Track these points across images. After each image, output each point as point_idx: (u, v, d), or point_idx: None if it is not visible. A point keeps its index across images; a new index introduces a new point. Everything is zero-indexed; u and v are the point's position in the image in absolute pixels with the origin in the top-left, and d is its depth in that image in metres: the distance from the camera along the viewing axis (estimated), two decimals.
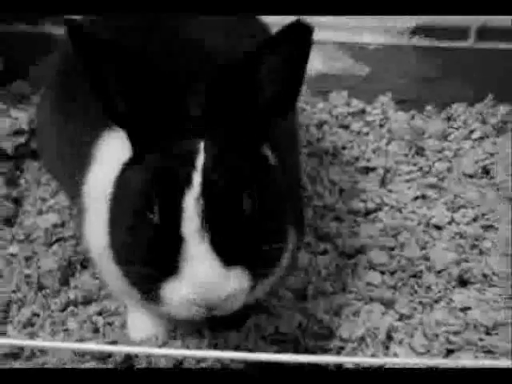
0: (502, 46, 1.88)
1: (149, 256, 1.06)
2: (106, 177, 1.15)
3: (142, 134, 1.10)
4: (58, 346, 1.27)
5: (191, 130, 1.08)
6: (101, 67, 1.07)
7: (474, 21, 1.87)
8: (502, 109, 1.86)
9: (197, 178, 1.04)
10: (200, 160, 1.05)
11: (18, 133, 1.70)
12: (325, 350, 1.30)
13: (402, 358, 1.24)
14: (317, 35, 1.88)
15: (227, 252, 1.03)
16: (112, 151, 1.18)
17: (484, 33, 1.89)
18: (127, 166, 1.13)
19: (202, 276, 1.02)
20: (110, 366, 1.26)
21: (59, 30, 1.87)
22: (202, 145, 1.06)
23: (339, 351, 1.30)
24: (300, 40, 1.07)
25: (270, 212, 1.11)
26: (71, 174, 1.31)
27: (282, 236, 1.15)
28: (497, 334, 1.31)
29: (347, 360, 1.19)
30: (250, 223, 1.06)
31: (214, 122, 1.09)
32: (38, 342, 1.30)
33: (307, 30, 1.06)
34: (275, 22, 1.43)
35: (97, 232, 1.19)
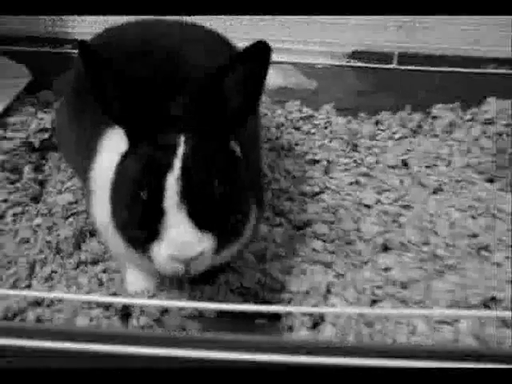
0: (417, 68, 1.88)
1: (140, 224, 1.05)
2: (108, 165, 1.13)
3: (134, 130, 1.09)
4: (71, 298, 1.25)
5: (173, 127, 1.06)
6: (102, 78, 1.05)
7: (396, 48, 1.87)
8: (417, 116, 1.84)
9: (177, 164, 1.03)
10: (180, 150, 1.04)
11: (42, 130, 1.67)
12: (278, 301, 1.28)
13: (338, 308, 1.23)
14: (277, 57, 1.90)
15: (199, 220, 1.03)
16: (113, 145, 1.16)
17: (404, 58, 1.89)
18: (124, 156, 1.11)
19: (179, 237, 1.02)
20: (112, 313, 1.25)
21: (76, 52, 1.83)
22: (182, 138, 1.05)
23: (289, 301, 1.28)
24: (261, 58, 1.04)
25: (236, 194, 1.09)
26: (82, 162, 1.29)
27: (245, 212, 1.13)
28: (410, 288, 1.29)
29: (296, 309, 1.17)
30: (219, 203, 1.04)
31: (192, 122, 1.07)
32: (56, 294, 1.28)
33: (267, 50, 1.04)
34: None
35: (101, 208, 1.17)
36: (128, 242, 1.11)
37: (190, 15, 1.50)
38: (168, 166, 1.03)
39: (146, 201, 1.03)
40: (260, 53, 1.04)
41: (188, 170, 1.03)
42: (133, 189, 1.05)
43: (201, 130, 1.07)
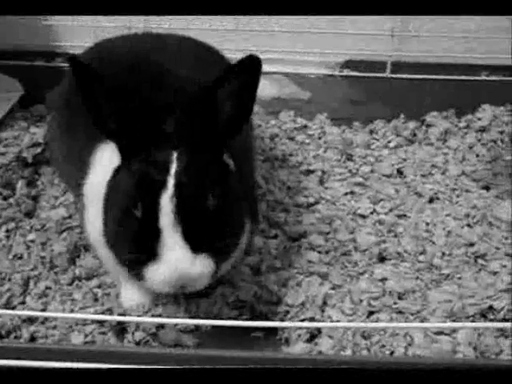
0: (411, 76, 1.88)
1: (134, 244, 1.05)
2: (101, 180, 1.13)
3: (127, 146, 1.08)
4: (65, 316, 1.25)
5: (166, 144, 1.06)
6: (94, 93, 1.05)
7: (389, 57, 1.86)
8: (411, 124, 1.84)
9: (171, 181, 1.02)
10: (173, 167, 1.03)
11: (35, 145, 1.66)
12: (274, 314, 1.27)
13: (334, 323, 1.22)
14: (271, 68, 1.90)
15: (195, 241, 1.02)
16: (105, 159, 1.16)
17: (397, 66, 1.88)
18: (117, 172, 1.11)
19: (175, 261, 1.02)
20: (107, 328, 1.24)
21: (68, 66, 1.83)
22: (174, 155, 1.04)
23: (285, 314, 1.28)
24: (252, 71, 1.04)
25: (230, 208, 1.09)
26: (75, 177, 1.29)
27: (239, 227, 1.13)
28: (407, 298, 1.29)
29: (292, 324, 1.17)
30: (213, 218, 1.04)
31: (184, 138, 1.07)
32: (50, 314, 1.28)
33: (258, 63, 1.04)
34: None
35: (94, 224, 1.17)
36: (122, 263, 1.11)
37: (178, 15, 1.50)
38: (162, 184, 1.02)
39: (140, 219, 1.03)
40: (251, 66, 1.04)
41: (181, 187, 1.02)
42: (126, 206, 1.05)
43: (193, 144, 1.07)
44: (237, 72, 1.04)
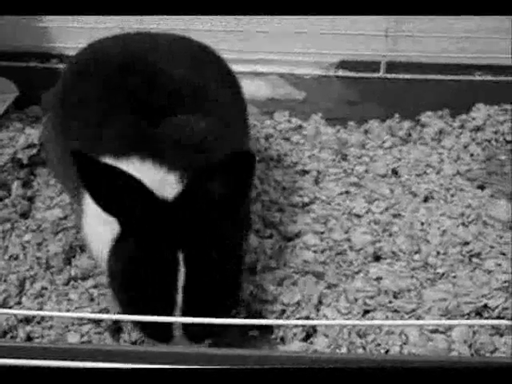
0: (405, 76, 1.88)
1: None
2: None
3: (129, 229, 1.08)
4: (61, 315, 1.25)
5: (172, 241, 1.05)
6: (97, 179, 1.04)
7: (383, 57, 1.87)
8: (406, 124, 1.84)
9: (179, 297, 1.03)
10: (181, 276, 1.03)
11: (30, 146, 1.66)
12: (270, 313, 1.28)
13: (330, 320, 1.23)
14: (265, 69, 1.91)
15: (198, 338, 1.08)
16: None
17: (391, 66, 1.88)
18: (118, 241, 1.10)
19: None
20: (103, 328, 1.25)
21: (63, 67, 1.83)
22: (181, 258, 1.04)
23: (281, 313, 1.28)
24: (245, 168, 1.04)
25: (234, 286, 1.13)
26: (72, 178, 1.28)
27: (238, 295, 1.17)
28: (402, 297, 1.30)
29: (289, 322, 1.17)
30: (218, 310, 1.05)
31: (189, 232, 1.06)
32: (45, 312, 1.28)
33: (252, 160, 1.04)
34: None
35: (96, 237, 1.18)
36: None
37: (173, 15, 1.50)
38: (170, 302, 1.03)
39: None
40: (244, 163, 1.03)
41: (189, 304, 1.03)
42: (136, 296, 1.06)
43: (199, 240, 1.06)
44: (229, 168, 1.04)
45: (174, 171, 1.11)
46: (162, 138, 1.14)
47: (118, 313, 1.12)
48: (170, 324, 1.04)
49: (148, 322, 1.03)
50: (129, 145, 1.13)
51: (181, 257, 1.03)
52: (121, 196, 1.03)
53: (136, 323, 1.12)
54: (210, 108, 1.24)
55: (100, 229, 1.14)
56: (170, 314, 1.03)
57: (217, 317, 1.01)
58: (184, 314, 1.03)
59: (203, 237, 1.06)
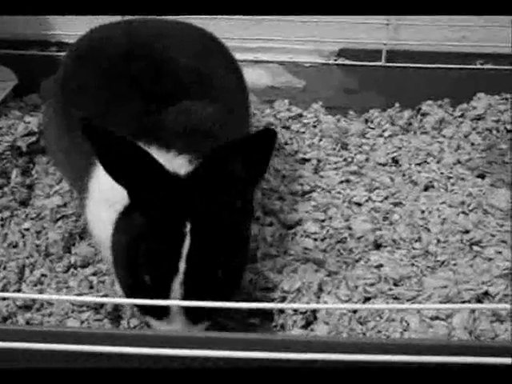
0: (406, 65, 1.88)
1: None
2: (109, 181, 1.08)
3: (139, 197, 1.07)
4: (61, 299, 1.25)
5: (180, 210, 1.05)
6: (108, 149, 1.03)
7: (384, 46, 1.87)
8: (406, 113, 1.85)
9: (182, 265, 1.02)
10: (186, 247, 1.02)
11: (30, 134, 1.66)
12: (271, 300, 1.28)
13: (329, 304, 1.23)
14: (265, 57, 1.91)
15: (197, 318, 1.07)
16: None
17: (392, 55, 1.89)
18: (126, 213, 1.10)
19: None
20: (102, 315, 1.25)
21: (62, 54, 1.83)
22: (188, 228, 1.03)
23: (282, 300, 1.28)
24: (266, 143, 1.03)
25: (237, 269, 1.12)
26: (73, 167, 1.29)
27: (240, 282, 1.15)
28: (402, 285, 1.30)
29: (288, 306, 1.17)
30: (219, 291, 1.05)
31: (200, 205, 1.05)
32: (45, 296, 1.28)
33: (274, 137, 1.03)
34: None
35: (100, 226, 1.17)
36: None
37: (176, 15, 1.50)
38: (173, 268, 1.02)
39: (150, 286, 1.04)
40: (267, 139, 1.03)
41: (193, 274, 1.02)
42: (136, 269, 1.05)
43: (208, 213, 1.05)
44: (252, 144, 1.04)
45: (182, 155, 1.10)
46: (168, 124, 1.14)
47: (122, 290, 1.12)
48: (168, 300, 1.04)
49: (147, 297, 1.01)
50: (135, 131, 1.12)
51: (188, 227, 1.03)
52: (132, 167, 1.02)
53: (133, 299, 1.09)
54: (216, 95, 1.24)
55: (104, 213, 1.14)
56: (171, 282, 1.02)
57: (218, 294, 1.02)
58: (185, 286, 1.02)
59: (213, 211, 1.05)
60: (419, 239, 1.42)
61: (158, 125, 1.14)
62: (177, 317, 1.05)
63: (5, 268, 1.36)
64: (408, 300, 1.25)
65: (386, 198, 1.56)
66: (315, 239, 1.43)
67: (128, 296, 1.11)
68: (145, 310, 1.10)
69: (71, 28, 1.86)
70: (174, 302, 1.01)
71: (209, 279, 1.04)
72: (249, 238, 1.21)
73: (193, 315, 1.05)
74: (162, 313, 1.06)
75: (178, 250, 1.02)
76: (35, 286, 1.34)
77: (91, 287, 1.33)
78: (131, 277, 1.06)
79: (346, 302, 1.26)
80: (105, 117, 1.16)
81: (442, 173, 1.64)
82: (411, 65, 1.87)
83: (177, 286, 1.02)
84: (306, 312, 1.22)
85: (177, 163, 1.09)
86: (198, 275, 1.03)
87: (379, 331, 1.19)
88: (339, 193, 1.58)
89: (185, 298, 1.02)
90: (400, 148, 1.74)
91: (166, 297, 1.03)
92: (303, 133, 1.80)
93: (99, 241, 1.21)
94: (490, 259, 1.34)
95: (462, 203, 1.51)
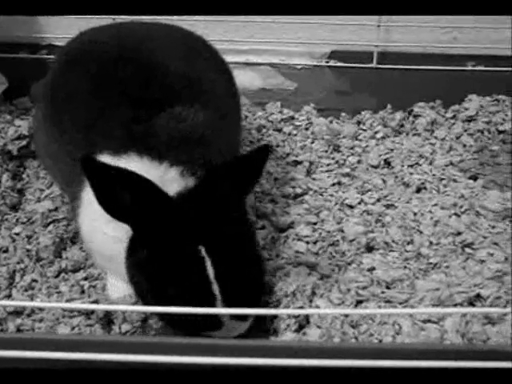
0: (397, 67, 1.88)
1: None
2: None
3: (144, 232, 1.07)
4: (52, 306, 1.25)
5: (190, 237, 1.06)
6: (107, 185, 1.02)
7: (375, 48, 1.87)
8: (398, 115, 1.85)
9: (216, 289, 1.05)
10: (210, 269, 1.05)
11: (20, 138, 1.65)
12: (264, 304, 1.27)
13: (323, 309, 1.23)
14: (256, 59, 1.90)
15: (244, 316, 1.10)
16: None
17: (384, 57, 1.89)
18: (134, 247, 1.10)
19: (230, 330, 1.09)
20: (94, 321, 1.24)
21: (52, 57, 1.83)
22: (203, 251, 1.05)
23: (276, 304, 1.28)
24: (261, 159, 1.07)
25: (261, 268, 1.17)
26: (63, 172, 1.28)
27: (263, 277, 1.18)
28: (394, 287, 1.30)
29: (283, 311, 1.17)
30: (250, 286, 1.11)
31: (204, 226, 1.06)
32: (35, 303, 1.28)
33: (268, 152, 1.07)
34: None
35: (94, 234, 1.17)
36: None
37: (168, 15, 1.50)
38: (209, 292, 1.04)
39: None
40: (263, 155, 1.06)
41: (226, 290, 1.05)
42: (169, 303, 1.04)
43: (217, 233, 1.07)
44: (248, 161, 1.06)
45: (175, 166, 1.11)
46: (159, 132, 1.13)
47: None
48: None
49: (197, 319, 1.03)
50: (126, 140, 1.12)
51: (203, 250, 1.04)
52: (136, 201, 1.03)
53: (183, 324, 1.10)
54: (207, 99, 1.23)
55: (97, 223, 1.13)
56: (214, 305, 1.04)
57: (253, 295, 1.09)
58: (225, 301, 1.04)
59: (221, 227, 1.06)
60: (411, 241, 1.42)
61: (148, 133, 1.13)
62: (228, 323, 1.07)
63: None
64: (400, 303, 1.25)
65: (379, 200, 1.56)
66: (307, 242, 1.42)
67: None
68: (198, 328, 1.09)
69: (62, 31, 1.86)
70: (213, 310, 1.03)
71: (244, 288, 1.07)
72: (256, 238, 1.24)
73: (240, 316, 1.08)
74: (215, 325, 1.08)
75: (206, 276, 1.04)
76: (26, 291, 1.33)
77: (82, 292, 1.33)
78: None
79: (339, 305, 1.26)
80: (94, 124, 1.16)
81: (434, 174, 1.64)
82: (403, 66, 1.87)
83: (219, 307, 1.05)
84: (298, 316, 1.22)
85: (169, 176, 1.09)
86: (234, 290, 1.06)
87: (371, 334, 1.19)
88: (331, 195, 1.58)
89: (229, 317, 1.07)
90: (392, 150, 1.74)
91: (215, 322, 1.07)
92: (295, 135, 1.80)
93: (94, 249, 1.21)
94: (482, 261, 1.34)
95: (454, 205, 1.51)
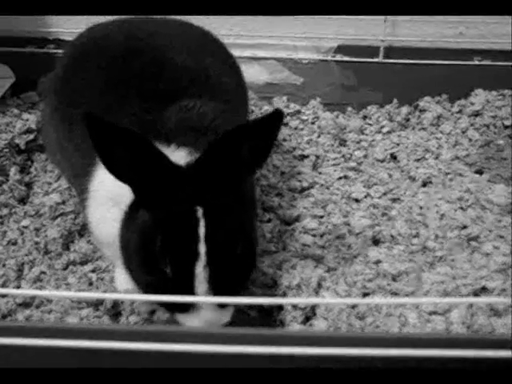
0: (403, 61, 1.89)
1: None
2: (112, 180, 1.08)
3: (145, 193, 1.07)
4: (60, 295, 1.26)
5: (188, 194, 1.05)
6: (109, 142, 1.02)
7: (382, 42, 1.88)
8: (404, 109, 1.86)
9: (202, 249, 1.02)
10: (202, 230, 1.03)
11: (28, 131, 1.67)
12: (270, 296, 1.28)
13: (328, 299, 1.24)
14: (263, 53, 1.91)
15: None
16: None
17: (390, 51, 1.90)
18: (133, 210, 1.10)
19: (207, 318, 1.06)
20: (102, 312, 1.26)
21: (60, 52, 1.86)
22: (200, 212, 1.03)
23: (282, 297, 1.29)
24: (274, 125, 1.06)
25: (252, 248, 1.12)
26: (71, 166, 1.29)
27: (254, 261, 1.14)
28: (401, 280, 1.31)
29: (286, 301, 1.18)
30: (240, 268, 1.07)
31: (208, 190, 1.06)
32: (44, 292, 1.29)
33: (281, 117, 1.05)
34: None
35: (103, 225, 1.18)
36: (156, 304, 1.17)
37: (175, 15, 1.50)
38: (193, 253, 1.02)
39: (171, 278, 1.03)
40: (275, 120, 1.05)
41: (213, 254, 1.02)
42: (153, 259, 1.04)
43: (218, 197, 1.06)
44: (262, 126, 1.05)
45: (183, 147, 1.11)
46: (167, 122, 1.14)
47: (139, 288, 1.11)
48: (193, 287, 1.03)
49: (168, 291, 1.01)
50: (136, 129, 1.13)
51: (200, 212, 1.03)
52: (135, 159, 1.02)
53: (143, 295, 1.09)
54: (214, 92, 1.24)
55: (108, 213, 1.15)
56: (194, 267, 1.02)
57: (240, 271, 1.06)
58: (208, 267, 1.02)
59: (221, 193, 1.06)
60: (417, 235, 1.43)
61: (157, 122, 1.14)
62: (210, 308, 1.05)
63: (4, 265, 1.37)
64: (406, 295, 1.26)
65: (385, 193, 1.57)
66: (314, 235, 1.43)
67: (146, 293, 1.09)
68: (170, 306, 1.09)
69: (69, 25, 1.87)
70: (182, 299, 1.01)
71: (230, 257, 1.04)
72: (255, 214, 1.22)
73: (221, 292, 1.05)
74: (188, 304, 1.05)
75: (196, 235, 1.02)
76: (34, 283, 1.34)
77: (90, 284, 1.34)
78: (150, 272, 1.05)
79: (345, 297, 1.26)
80: (107, 117, 1.17)
81: (439, 168, 1.64)
82: (409, 61, 1.88)
83: (200, 269, 1.02)
84: (305, 308, 1.23)
85: (177, 155, 1.09)
86: (220, 254, 1.03)
87: (378, 326, 1.20)
88: (338, 189, 1.59)
89: (210, 280, 1.02)
90: (398, 144, 1.75)
91: (191, 284, 1.02)
92: (302, 129, 1.81)
93: (103, 240, 1.22)
94: (488, 254, 1.35)
95: (460, 199, 1.52)
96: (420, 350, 0.83)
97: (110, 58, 1.25)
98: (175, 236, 1.03)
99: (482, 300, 1.16)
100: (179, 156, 1.09)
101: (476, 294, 1.25)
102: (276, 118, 1.05)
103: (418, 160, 1.69)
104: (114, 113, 1.15)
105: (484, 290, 1.25)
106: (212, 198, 1.05)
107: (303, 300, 1.24)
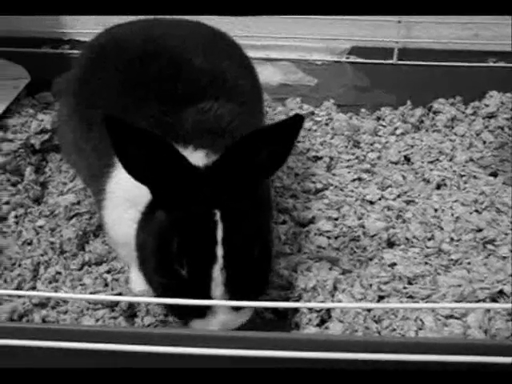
0: (417, 63, 1.87)
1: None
2: (129, 180, 1.07)
3: (163, 193, 1.06)
4: (76, 297, 1.25)
5: (208, 199, 1.04)
6: (129, 146, 1.02)
7: (396, 44, 1.87)
8: (418, 111, 1.84)
9: (219, 252, 1.01)
10: (219, 232, 1.02)
11: (43, 132, 1.67)
12: (285, 298, 1.28)
13: (344, 303, 1.23)
14: (277, 55, 1.90)
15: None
16: None
17: (404, 53, 1.88)
18: (150, 210, 1.09)
19: (222, 322, 1.04)
20: (117, 313, 1.25)
21: (74, 52, 1.87)
22: (218, 215, 1.02)
23: (297, 299, 1.28)
24: (293, 129, 1.05)
25: (269, 251, 1.12)
26: (88, 167, 1.28)
27: (270, 264, 1.14)
28: (416, 283, 1.30)
29: (303, 305, 1.16)
30: (257, 272, 1.06)
31: (226, 192, 1.05)
32: (60, 294, 1.28)
33: (301, 122, 1.05)
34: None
35: (119, 226, 1.17)
36: (168, 310, 1.17)
37: (189, 15, 1.49)
38: (211, 255, 1.01)
39: (187, 279, 1.02)
40: (295, 125, 1.04)
41: (231, 257, 1.02)
42: (169, 260, 1.03)
43: (235, 200, 1.05)
44: (281, 131, 1.04)
45: (200, 149, 1.11)
46: (185, 124, 1.14)
47: (154, 291, 1.10)
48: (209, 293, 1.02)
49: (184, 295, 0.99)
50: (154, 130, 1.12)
51: (218, 215, 1.02)
52: (154, 160, 1.02)
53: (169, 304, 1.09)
54: (231, 94, 1.23)
55: (126, 214, 1.14)
56: (211, 270, 1.00)
57: (258, 274, 1.05)
58: (226, 270, 1.01)
59: (239, 196, 1.05)
60: (432, 237, 1.42)
61: (175, 124, 1.14)
62: (224, 309, 1.04)
63: (20, 265, 1.36)
64: (422, 299, 1.25)
65: (399, 196, 1.56)
66: (329, 237, 1.42)
67: (161, 296, 1.08)
68: (184, 312, 1.07)
69: (83, 26, 1.87)
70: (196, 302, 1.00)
71: (247, 260, 1.03)
72: (271, 216, 1.21)
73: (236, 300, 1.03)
74: (204, 308, 1.04)
75: (213, 237, 1.01)
76: (50, 283, 1.34)
77: (106, 285, 1.33)
78: (165, 274, 1.04)
79: (361, 300, 1.25)
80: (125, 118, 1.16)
81: (454, 171, 1.63)
82: (423, 63, 1.87)
83: (217, 272, 1.01)
84: (320, 310, 1.22)
85: (195, 157, 1.09)
86: (237, 258, 1.02)
87: (394, 329, 1.19)
88: (352, 191, 1.58)
89: (226, 283, 1.01)
90: (412, 146, 1.74)
91: (207, 287, 1.01)
92: (315, 131, 1.80)
93: (118, 241, 1.21)
94: (504, 258, 1.34)
95: (475, 201, 1.51)
96: (436, 355, 0.82)
97: (129, 60, 1.25)
98: (192, 238, 1.03)
99: (501, 306, 1.14)
100: (197, 158, 1.09)
101: (493, 297, 1.24)
102: (296, 123, 1.04)
103: (431, 162, 1.68)
104: (132, 115, 1.14)
105: (501, 294, 1.24)
106: (229, 201, 1.04)
107: (317, 304, 1.23)
